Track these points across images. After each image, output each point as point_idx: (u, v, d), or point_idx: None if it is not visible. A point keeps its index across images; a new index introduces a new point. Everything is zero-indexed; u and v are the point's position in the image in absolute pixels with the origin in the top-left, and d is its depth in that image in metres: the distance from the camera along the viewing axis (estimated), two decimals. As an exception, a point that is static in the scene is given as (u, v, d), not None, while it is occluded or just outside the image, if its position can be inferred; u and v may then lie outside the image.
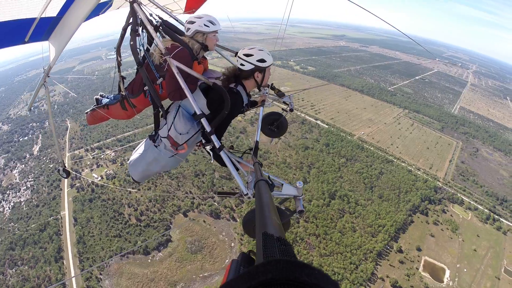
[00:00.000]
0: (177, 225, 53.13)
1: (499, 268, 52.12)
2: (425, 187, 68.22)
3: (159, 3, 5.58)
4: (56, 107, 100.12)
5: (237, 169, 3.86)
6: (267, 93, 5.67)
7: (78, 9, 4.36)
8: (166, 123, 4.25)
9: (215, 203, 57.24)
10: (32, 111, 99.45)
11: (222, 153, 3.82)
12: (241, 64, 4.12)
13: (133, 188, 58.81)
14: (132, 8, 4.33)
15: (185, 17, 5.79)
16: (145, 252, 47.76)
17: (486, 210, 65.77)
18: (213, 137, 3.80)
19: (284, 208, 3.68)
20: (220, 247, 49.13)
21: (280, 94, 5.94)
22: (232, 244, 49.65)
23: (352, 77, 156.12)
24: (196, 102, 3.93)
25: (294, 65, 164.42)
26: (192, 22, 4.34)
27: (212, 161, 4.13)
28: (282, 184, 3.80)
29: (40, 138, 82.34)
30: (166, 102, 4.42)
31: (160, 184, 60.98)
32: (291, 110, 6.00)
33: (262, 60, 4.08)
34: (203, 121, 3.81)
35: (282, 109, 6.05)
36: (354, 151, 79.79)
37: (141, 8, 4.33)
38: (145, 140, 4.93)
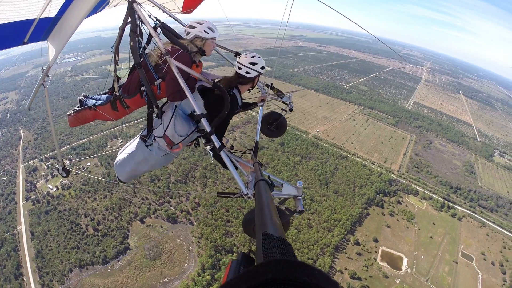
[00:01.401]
0: (135, 232, 52.55)
1: (456, 252, 55.12)
2: (380, 180, 70.87)
3: (157, 2, 5.62)
4: (8, 115, 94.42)
5: (237, 169, 3.91)
6: (266, 93, 5.84)
7: (78, 8, 4.33)
8: (161, 123, 4.34)
9: (172, 208, 56.98)
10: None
11: (222, 153, 3.87)
12: (247, 72, 4.38)
13: (89, 198, 57.63)
14: (131, 8, 4.29)
15: (181, 17, 6.11)
16: (104, 262, 46.98)
17: (440, 199, 69.20)
18: (213, 137, 3.87)
19: (284, 208, 3.79)
20: (178, 251, 49.04)
21: (279, 94, 6.05)
22: (190, 248, 49.69)
23: (308, 76, 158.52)
24: (197, 102, 4.07)
25: None
26: (192, 27, 4.47)
27: (212, 161, 4.16)
28: (282, 184, 3.87)
29: (-9, 149, 77.29)
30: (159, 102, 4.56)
31: (116, 191, 59.90)
32: (291, 110, 6.13)
33: (263, 67, 4.47)
34: (203, 121, 3.90)
35: (282, 109, 6.17)
36: (309, 149, 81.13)
37: (140, 8, 4.33)
38: (133, 140, 4.97)
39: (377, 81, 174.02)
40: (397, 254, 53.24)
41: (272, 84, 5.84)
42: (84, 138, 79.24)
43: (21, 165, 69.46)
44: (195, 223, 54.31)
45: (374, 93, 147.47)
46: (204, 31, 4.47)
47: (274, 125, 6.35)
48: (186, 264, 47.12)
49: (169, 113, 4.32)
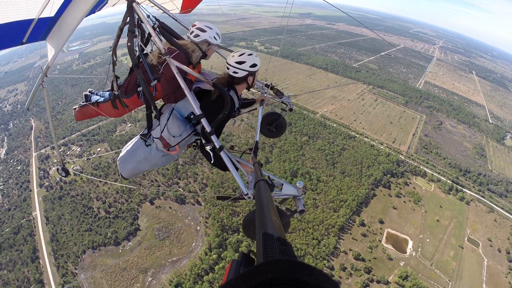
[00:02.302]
0: (144, 214, 53.85)
1: (463, 237, 54.34)
2: (388, 161, 70.00)
3: (157, 3, 5.60)
4: (19, 106, 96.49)
5: (237, 169, 3.85)
6: (265, 93, 5.68)
7: (77, 8, 4.25)
8: (159, 124, 4.29)
9: (180, 189, 58.13)
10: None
11: (222, 153, 3.81)
12: (234, 72, 4.19)
13: (100, 182, 59.10)
14: (130, 8, 4.28)
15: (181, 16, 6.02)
16: (115, 243, 48.73)
17: (449, 181, 67.81)
18: (213, 137, 3.81)
19: (284, 209, 3.77)
20: (186, 231, 50.33)
21: (279, 94, 5.94)
22: (198, 228, 50.87)
23: (316, 55, 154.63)
24: (196, 102, 3.95)
25: (259, 45, 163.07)
26: (203, 30, 4.38)
27: (211, 166, 4.35)
28: (282, 184, 3.80)
29: (6, 140, 79.82)
30: (158, 103, 4.55)
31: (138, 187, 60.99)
32: (290, 110, 6.01)
33: (254, 65, 4.20)
34: (203, 121, 3.82)
35: (282, 109, 6.10)
36: (316, 129, 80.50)
37: (139, 8, 4.30)
38: (135, 138, 4.94)
39: (387, 60, 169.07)
40: (403, 237, 53.02)
41: (271, 84, 5.75)
42: (93, 124, 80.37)
43: (34, 154, 71.58)
44: (202, 204, 55.27)
45: (384, 71, 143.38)
46: (214, 37, 4.44)
47: (273, 125, 6.30)
48: (194, 244, 48.39)
49: (167, 115, 4.29)
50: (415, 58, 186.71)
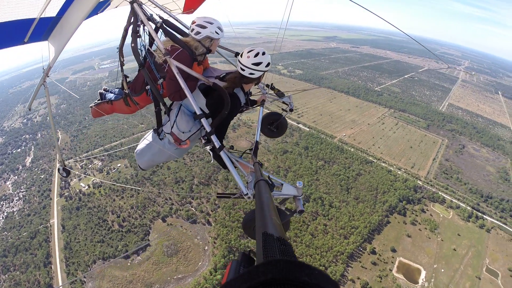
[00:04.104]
0: (156, 230, 54.96)
1: (481, 267, 51.36)
2: (404, 187, 67.77)
3: (158, 3, 5.60)
4: (48, 118, 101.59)
5: (237, 169, 3.89)
6: (266, 93, 5.74)
7: (78, 9, 4.33)
8: (169, 120, 4.39)
9: (192, 209, 58.85)
10: (25, 123, 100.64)
11: (222, 153, 3.85)
12: (251, 74, 4.13)
13: (117, 196, 61.27)
14: (132, 8, 4.36)
15: (183, 17, 6.11)
16: (125, 256, 49.82)
17: (468, 208, 64.69)
18: (213, 137, 3.86)
19: (284, 208, 3.84)
20: (194, 250, 50.75)
21: (280, 94, 5.99)
22: (206, 248, 51.16)
23: (339, 78, 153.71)
24: (196, 102, 4.01)
25: (282, 69, 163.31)
26: (203, 27, 4.30)
27: (212, 161, 4.13)
28: (282, 184, 3.87)
29: (33, 149, 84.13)
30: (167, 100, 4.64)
31: (143, 191, 62.86)
32: (291, 110, 6.08)
33: (268, 64, 4.16)
34: (203, 121, 3.90)
35: (282, 109, 6.16)
36: (333, 154, 79.46)
37: (141, 8, 4.36)
38: (150, 131, 5.03)
39: (411, 82, 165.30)
40: (415, 266, 50.70)
41: (272, 84, 5.84)
42: (116, 141, 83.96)
43: (58, 165, 74.69)
44: (213, 224, 55.60)
45: (406, 95, 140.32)
46: (215, 31, 4.37)
47: (274, 125, 6.39)
48: (200, 263, 48.73)
49: (175, 111, 4.37)
50: (439, 80, 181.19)
